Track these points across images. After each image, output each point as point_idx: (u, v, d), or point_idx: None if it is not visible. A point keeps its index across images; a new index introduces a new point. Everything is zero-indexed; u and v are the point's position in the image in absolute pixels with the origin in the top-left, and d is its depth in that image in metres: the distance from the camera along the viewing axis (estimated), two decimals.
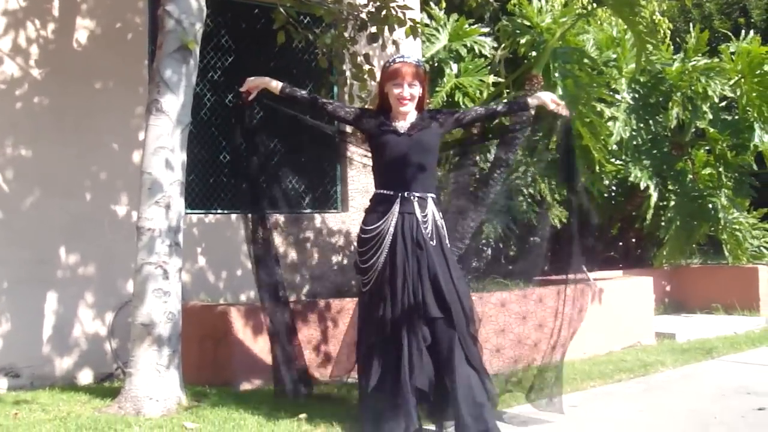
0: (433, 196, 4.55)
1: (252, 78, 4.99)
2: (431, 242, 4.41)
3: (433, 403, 4.41)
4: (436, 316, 4.32)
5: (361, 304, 4.63)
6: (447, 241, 4.56)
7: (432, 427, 4.48)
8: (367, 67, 6.60)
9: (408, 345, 4.26)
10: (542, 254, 5.91)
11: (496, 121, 9.46)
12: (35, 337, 6.10)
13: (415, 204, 4.44)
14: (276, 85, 4.90)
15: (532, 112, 5.21)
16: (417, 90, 4.56)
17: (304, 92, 4.99)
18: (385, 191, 4.50)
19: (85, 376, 6.29)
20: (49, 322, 6.16)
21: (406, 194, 4.44)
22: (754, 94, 9.53)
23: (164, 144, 4.96)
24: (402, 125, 4.55)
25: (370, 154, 4.76)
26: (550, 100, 4.89)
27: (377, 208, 4.52)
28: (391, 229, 4.40)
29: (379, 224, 4.43)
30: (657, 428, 4.65)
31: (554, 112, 4.91)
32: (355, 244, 4.70)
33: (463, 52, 9.31)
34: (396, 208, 4.42)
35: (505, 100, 4.87)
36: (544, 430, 4.63)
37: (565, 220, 8.90)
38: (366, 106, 6.18)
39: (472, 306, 4.55)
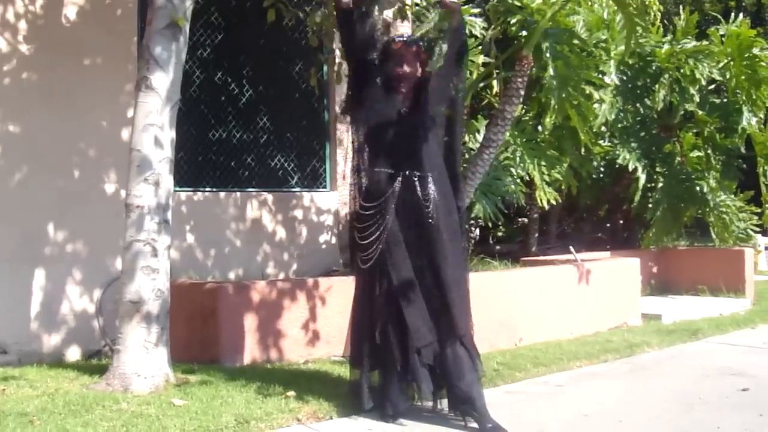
0: (433, 174, 4.54)
1: None
2: (430, 221, 4.42)
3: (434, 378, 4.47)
4: (434, 294, 4.36)
5: (359, 281, 4.62)
6: (445, 220, 4.55)
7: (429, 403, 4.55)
8: None
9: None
10: None
11: (486, 101, 9.50)
12: (23, 314, 6.09)
13: (416, 182, 4.45)
14: None
15: None
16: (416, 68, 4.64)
17: None
18: (385, 170, 4.51)
19: (73, 353, 6.29)
20: (37, 298, 6.15)
21: (407, 173, 4.46)
22: (742, 77, 9.54)
23: (153, 121, 4.95)
24: (402, 103, 4.59)
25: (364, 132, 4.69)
26: None
27: (377, 185, 4.51)
28: (393, 207, 4.42)
29: (380, 201, 4.44)
30: (642, 408, 4.69)
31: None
32: (355, 221, 4.65)
33: None
34: (397, 186, 4.44)
35: None
36: (531, 408, 4.66)
37: (554, 201, 8.98)
38: None
39: (467, 285, 4.58)
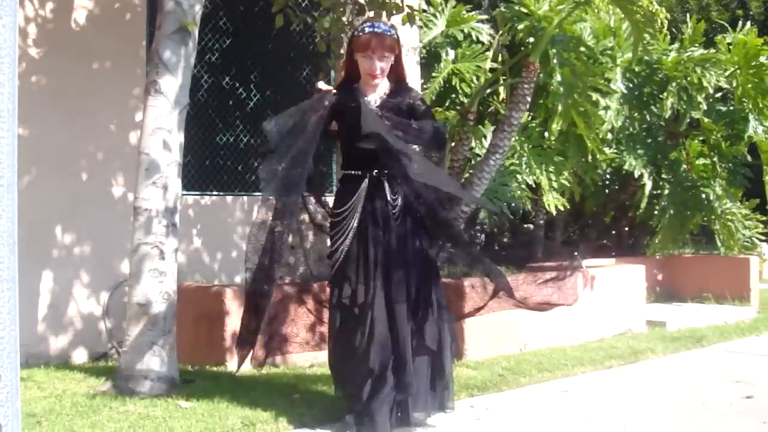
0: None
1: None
2: (395, 221, 4.18)
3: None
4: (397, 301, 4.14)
5: (331, 289, 4.38)
6: (419, 217, 4.28)
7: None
8: None
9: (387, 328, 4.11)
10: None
11: (492, 107, 9.51)
12: (30, 316, 6.12)
13: (385, 184, 4.21)
14: None
15: None
16: (388, 62, 4.26)
17: None
18: (353, 172, 4.27)
19: (80, 355, 6.32)
20: (44, 301, 6.18)
21: (374, 173, 4.21)
22: (749, 86, 9.57)
23: (162, 125, 4.98)
24: (372, 98, 4.26)
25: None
26: None
27: (346, 188, 4.28)
28: (358, 212, 4.17)
29: (347, 207, 4.20)
30: (646, 414, 4.70)
31: None
32: (329, 227, 4.43)
33: (460, 38, 9.33)
34: (364, 190, 4.19)
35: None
36: (536, 413, 4.67)
37: (561, 207, 8.99)
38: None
39: (433, 288, 4.29)
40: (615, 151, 9.72)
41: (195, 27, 5.14)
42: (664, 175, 9.91)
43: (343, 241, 4.17)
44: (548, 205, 8.95)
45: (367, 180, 4.20)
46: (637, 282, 8.02)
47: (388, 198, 4.20)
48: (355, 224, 4.16)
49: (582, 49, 7.86)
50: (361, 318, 4.13)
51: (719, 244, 10.13)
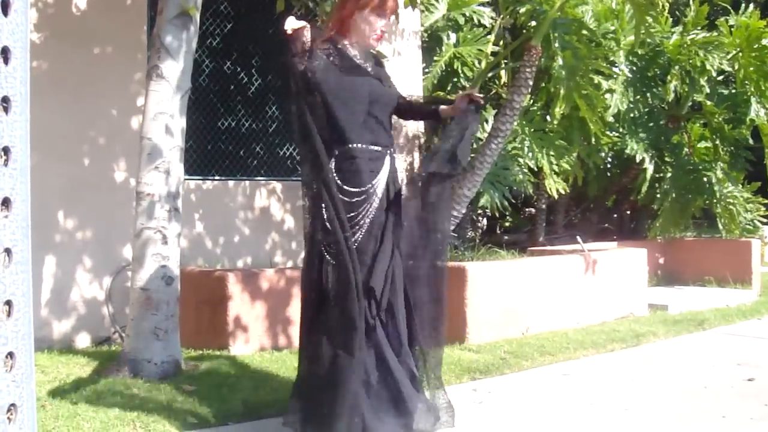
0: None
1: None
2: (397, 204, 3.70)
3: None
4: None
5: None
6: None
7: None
8: None
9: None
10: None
11: (494, 91, 9.49)
12: (33, 301, 6.12)
13: (393, 159, 3.74)
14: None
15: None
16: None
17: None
18: (372, 146, 3.63)
19: (83, 340, 6.34)
20: (47, 285, 6.20)
21: (391, 148, 3.73)
22: (751, 69, 9.53)
23: (164, 110, 4.98)
24: (366, 63, 3.75)
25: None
26: (466, 101, 3.85)
27: (361, 165, 3.59)
28: (378, 196, 3.62)
29: (365, 188, 3.59)
30: (648, 396, 4.72)
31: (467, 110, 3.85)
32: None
33: (462, 21, 9.31)
34: (387, 165, 3.66)
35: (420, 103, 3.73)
36: (538, 396, 4.69)
37: (563, 190, 8.99)
38: None
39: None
40: (617, 134, 9.72)
41: (196, 11, 5.14)
42: (666, 159, 9.90)
43: (359, 229, 3.56)
44: (550, 189, 8.95)
45: (388, 155, 3.68)
46: (638, 265, 8.03)
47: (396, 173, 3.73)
48: (374, 210, 3.57)
49: (584, 32, 7.83)
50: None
51: (721, 227, 10.12)
